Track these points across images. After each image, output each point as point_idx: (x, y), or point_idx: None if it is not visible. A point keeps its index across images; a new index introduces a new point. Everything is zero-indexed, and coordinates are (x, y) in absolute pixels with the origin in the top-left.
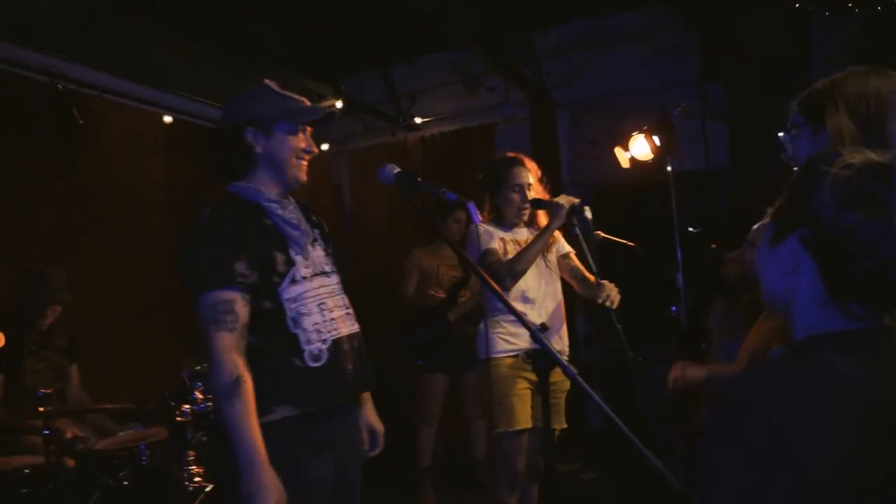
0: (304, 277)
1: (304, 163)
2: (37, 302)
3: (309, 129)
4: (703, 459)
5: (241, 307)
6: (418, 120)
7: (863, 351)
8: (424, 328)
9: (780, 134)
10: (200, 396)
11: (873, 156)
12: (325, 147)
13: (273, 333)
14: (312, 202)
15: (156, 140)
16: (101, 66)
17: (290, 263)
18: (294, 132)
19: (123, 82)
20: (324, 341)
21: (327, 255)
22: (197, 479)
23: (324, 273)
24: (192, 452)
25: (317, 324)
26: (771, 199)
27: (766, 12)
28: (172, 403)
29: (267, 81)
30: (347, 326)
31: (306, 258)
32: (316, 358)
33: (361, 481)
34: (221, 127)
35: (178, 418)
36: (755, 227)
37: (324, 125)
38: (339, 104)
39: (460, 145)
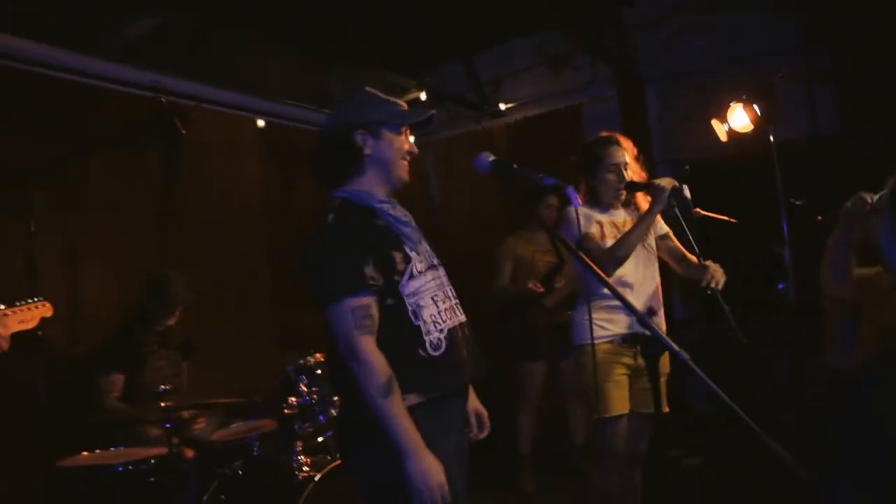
0: (420, 272)
1: (407, 163)
2: (165, 304)
3: (407, 131)
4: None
5: (375, 310)
6: (502, 106)
7: None
8: (522, 316)
9: None
10: (305, 389)
11: None
12: (411, 139)
13: (397, 327)
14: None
15: (251, 144)
16: (197, 77)
17: (407, 260)
18: (398, 134)
19: (218, 91)
20: (441, 331)
21: (430, 248)
22: (305, 468)
23: (433, 266)
24: (299, 443)
25: (433, 315)
26: (889, 165)
27: None
28: (279, 397)
29: (369, 88)
30: (458, 315)
31: (419, 253)
32: (436, 347)
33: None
34: (331, 130)
35: (286, 410)
36: (880, 194)
37: (424, 127)
38: (422, 96)
39: (546, 129)
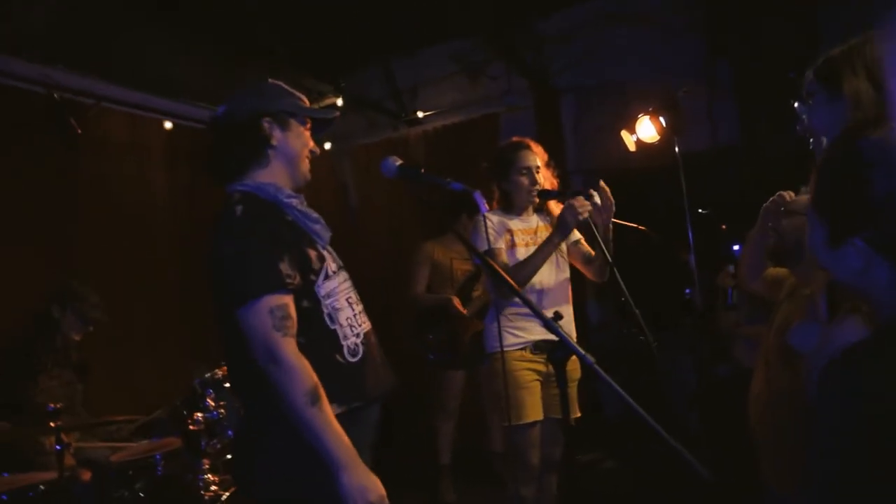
0: (334, 272)
1: (308, 162)
2: (80, 318)
3: (309, 133)
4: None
5: (293, 310)
6: (420, 114)
7: None
8: (439, 325)
9: (795, 104)
10: (213, 404)
11: None
12: (327, 146)
13: (314, 332)
14: (316, 201)
15: (157, 147)
16: (97, 75)
17: (322, 259)
18: (305, 129)
19: (121, 89)
20: (357, 335)
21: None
22: (213, 486)
23: (342, 267)
24: (206, 461)
25: (349, 318)
26: (784, 175)
27: None
28: (185, 412)
29: (273, 81)
30: (367, 321)
31: (331, 253)
32: (353, 353)
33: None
34: (233, 117)
35: (192, 427)
36: (796, 196)
37: (325, 128)
38: (339, 102)
39: (464, 137)
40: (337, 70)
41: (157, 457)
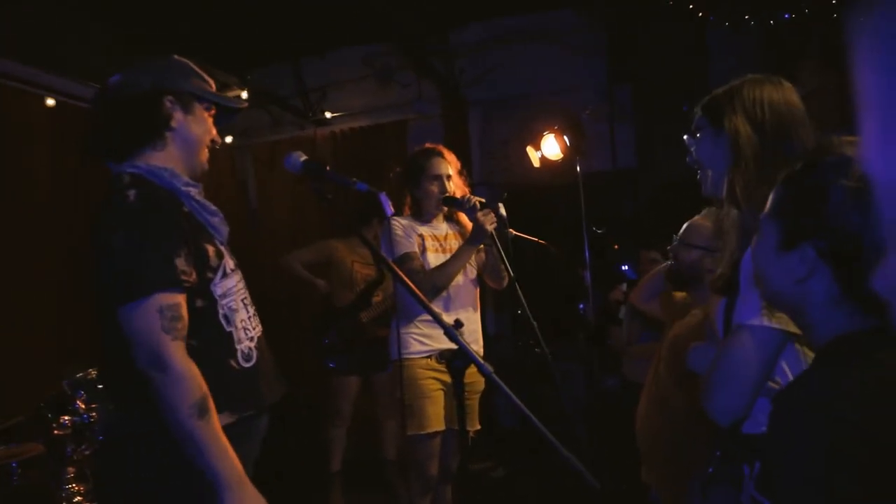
0: (232, 270)
1: (208, 153)
2: None
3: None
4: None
5: (185, 311)
6: (328, 114)
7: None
8: (336, 329)
9: (685, 137)
10: (83, 406)
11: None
12: (228, 140)
13: (208, 334)
14: (214, 197)
15: (38, 125)
16: None
17: (220, 256)
18: (209, 115)
19: (16, 65)
20: (251, 339)
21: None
22: (77, 498)
23: (237, 267)
24: (71, 469)
25: (243, 321)
26: (678, 198)
27: (669, 21)
28: (49, 415)
29: (178, 57)
30: (259, 324)
31: (227, 250)
32: (247, 358)
33: (273, 484)
34: (130, 89)
35: (57, 431)
36: (689, 223)
37: (229, 118)
38: (244, 95)
39: (372, 141)
40: (244, 63)
41: (14, 464)
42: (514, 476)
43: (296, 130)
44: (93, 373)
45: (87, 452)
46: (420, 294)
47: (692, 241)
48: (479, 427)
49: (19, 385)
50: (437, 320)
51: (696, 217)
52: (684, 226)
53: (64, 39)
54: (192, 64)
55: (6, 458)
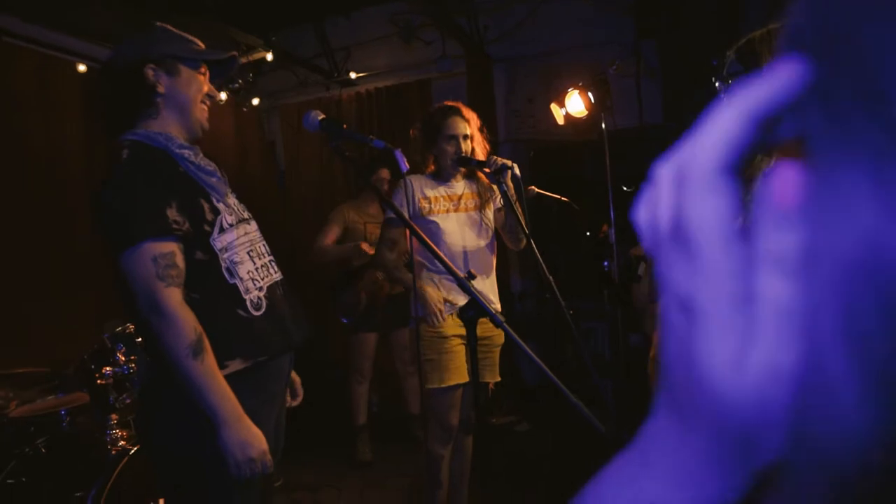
0: (231, 225)
1: (207, 108)
2: None
3: (207, 73)
4: None
5: (181, 259)
6: (353, 75)
7: None
8: (353, 287)
9: (716, 83)
10: (123, 358)
11: None
12: (255, 101)
13: (211, 286)
14: (243, 158)
15: (70, 91)
16: (4, 8)
17: (216, 212)
18: (197, 73)
19: (29, 25)
20: (260, 289)
21: (239, 202)
22: (121, 442)
23: (244, 220)
24: (114, 416)
25: (250, 271)
26: None
27: None
28: (93, 367)
29: (160, 24)
30: (274, 273)
31: (228, 206)
32: (257, 307)
33: (300, 441)
34: (116, 65)
35: (100, 381)
36: None
37: (226, 70)
38: (269, 56)
39: (396, 100)
40: (268, 25)
41: (63, 412)
42: (537, 430)
43: (322, 91)
44: (131, 327)
45: (127, 401)
46: (435, 248)
47: None
48: (498, 379)
49: (67, 341)
50: (450, 271)
51: None
52: None
53: (88, 5)
54: (172, 28)
55: (56, 406)
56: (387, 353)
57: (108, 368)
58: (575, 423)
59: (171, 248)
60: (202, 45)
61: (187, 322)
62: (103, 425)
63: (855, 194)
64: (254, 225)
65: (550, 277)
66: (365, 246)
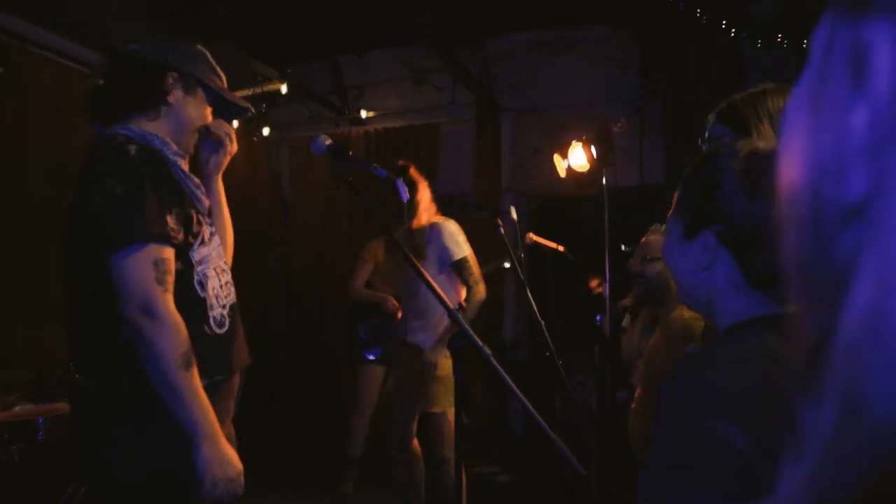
0: (209, 239)
1: (196, 138)
2: None
3: (210, 109)
4: (661, 444)
5: (173, 266)
6: (364, 113)
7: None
8: (371, 322)
9: (702, 145)
10: None
11: (761, 144)
12: (266, 132)
13: (182, 298)
14: (249, 189)
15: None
16: (28, 16)
17: (200, 224)
18: (208, 105)
19: (53, 35)
20: (223, 307)
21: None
22: None
23: (214, 234)
24: None
25: (215, 288)
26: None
27: (706, 36)
28: (77, 376)
29: (201, 47)
30: (233, 294)
31: (206, 219)
32: (220, 324)
33: (287, 468)
34: (141, 58)
35: None
36: (644, 240)
37: (235, 115)
38: (283, 89)
39: (404, 142)
40: (284, 57)
41: (40, 421)
42: (519, 480)
43: (332, 127)
44: None
45: None
46: (433, 282)
47: (653, 254)
48: (437, 410)
49: (52, 347)
50: (442, 303)
51: (647, 236)
52: (640, 245)
53: (116, 25)
54: (209, 56)
55: (34, 415)
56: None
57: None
58: (557, 475)
59: (169, 254)
60: (225, 83)
61: (182, 330)
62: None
63: None
64: (218, 239)
65: (542, 322)
66: (392, 302)
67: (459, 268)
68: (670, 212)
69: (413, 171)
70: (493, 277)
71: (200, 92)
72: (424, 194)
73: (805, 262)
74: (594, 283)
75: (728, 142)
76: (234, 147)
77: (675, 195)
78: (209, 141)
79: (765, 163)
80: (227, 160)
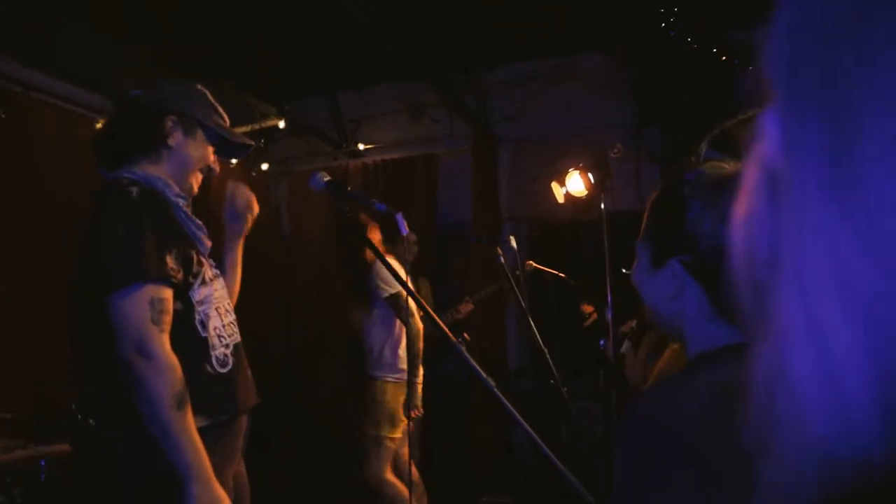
0: (211, 279)
1: (201, 178)
2: None
3: (212, 148)
4: (617, 475)
5: (171, 307)
6: (361, 146)
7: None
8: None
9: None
10: None
11: (727, 167)
12: (265, 167)
13: (183, 337)
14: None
15: (89, 146)
16: (30, 63)
17: (201, 264)
18: (209, 144)
19: (54, 80)
20: (227, 346)
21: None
22: None
23: (217, 276)
24: None
25: (217, 328)
26: None
27: (698, 63)
28: (80, 416)
29: (201, 87)
30: (237, 334)
31: (208, 261)
32: (223, 364)
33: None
34: (141, 103)
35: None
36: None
37: (236, 153)
38: (281, 124)
39: (402, 174)
40: (283, 94)
41: (42, 463)
42: None
43: (330, 160)
44: None
45: None
46: (434, 315)
47: None
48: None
49: (51, 389)
50: (447, 336)
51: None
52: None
53: (115, 67)
54: (209, 95)
55: (36, 457)
56: None
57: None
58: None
59: (167, 294)
60: (227, 121)
61: (176, 370)
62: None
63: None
64: (222, 281)
65: (545, 349)
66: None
67: (391, 304)
68: (640, 236)
69: (363, 216)
70: (489, 302)
71: (200, 133)
72: (374, 235)
73: (749, 299)
74: (588, 308)
75: (692, 163)
76: (255, 210)
77: (644, 218)
78: (231, 210)
79: (732, 187)
80: (248, 226)
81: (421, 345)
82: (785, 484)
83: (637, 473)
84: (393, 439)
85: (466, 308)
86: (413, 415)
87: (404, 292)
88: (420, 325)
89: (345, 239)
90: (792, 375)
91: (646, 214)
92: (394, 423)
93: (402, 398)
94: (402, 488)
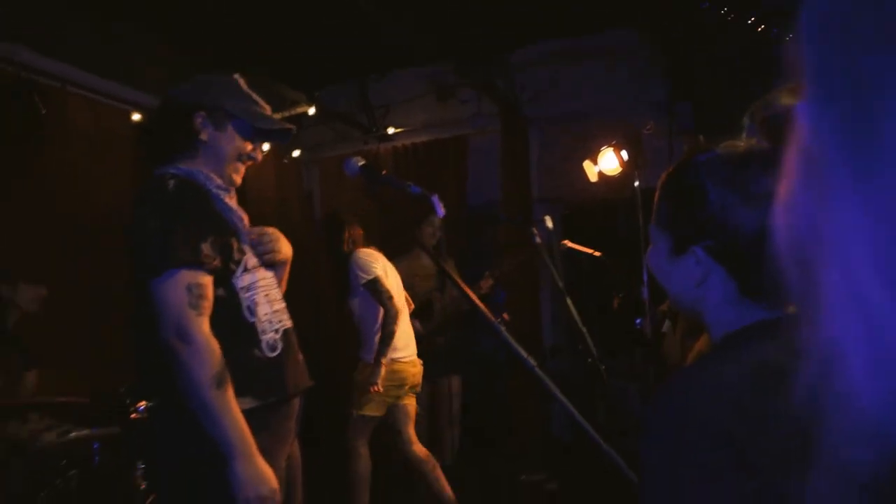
0: (254, 267)
1: (243, 167)
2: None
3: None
4: (644, 460)
5: (210, 292)
6: (391, 130)
7: (782, 336)
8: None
9: None
10: None
11: (741, 144)
12: (296, 153)
13: (230, 323)
14: (281, 208)
15: (124, 138)
16: (67, 58)
17: (242, 252)
18: (247, 135)
19: (90, 76)
20: (276, 331)
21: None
22: None
23: (264, 265)
24: None
25: (267, 314)
26: None
27: (731, 36)
28: (128, 401)
29: (236, 76)
30: (288, 320)
31: (251, 249)
32: (272, 348)
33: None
34: (173, 103)
35: (134, 416)
36: None
37: (278, 138)
38: (311, 111)
39: (432, 156)
40: (312, 81)
41: (95, 445)
42: (566, 488)
43: (360, 145)
44: None
45: None
46: (473, 296)
47: None
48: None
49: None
50: (488, 318)
51: None
52: None
53: (146, 60)
54: (242, 84)
55: (89, 440)
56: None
57: (143, 403)
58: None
59: (204, 279)
60: (268, 108)
61: (215, 352)
62: (134, 460)
63: None
64: (271, 272)
65: (584, 329)
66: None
67: (369, 289)
68: (652, 219)
69: (339, 214)
70: (518, 280)
71: (230, 124)
72: (355, 231)
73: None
74: (616, 301)
75: (703, 144)
76: (286, 253)
77: (656, 201)
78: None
79: (752, 165)
80: (281, 262)
81: (398, 326)
82: (840, 454)
83: (669, 458)
84: (371, 417)
85: (487, 283)
86: (372, 391)
87: (382, 278)
88: (399, 307)
89: (324, 232)
90: (841, 350)
91: (657, 196)
92: (370, 400)
93: (379, 378)
94: (367, 466)
